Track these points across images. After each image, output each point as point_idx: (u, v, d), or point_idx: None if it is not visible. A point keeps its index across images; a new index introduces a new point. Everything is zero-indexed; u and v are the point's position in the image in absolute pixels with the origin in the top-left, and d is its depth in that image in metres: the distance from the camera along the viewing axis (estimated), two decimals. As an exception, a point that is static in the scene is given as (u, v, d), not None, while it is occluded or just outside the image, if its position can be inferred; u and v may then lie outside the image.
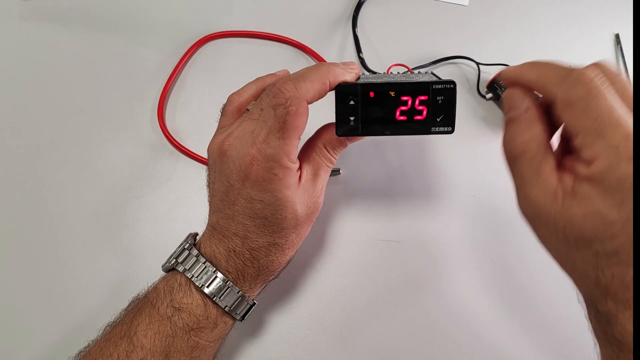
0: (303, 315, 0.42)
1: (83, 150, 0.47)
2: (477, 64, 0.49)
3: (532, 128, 0.29)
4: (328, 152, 0.36)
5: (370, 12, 0.53)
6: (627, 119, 0.26)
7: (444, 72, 0.50)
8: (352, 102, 0.34)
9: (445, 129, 0.34)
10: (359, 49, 0.51)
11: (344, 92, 0.34)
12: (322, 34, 0.52)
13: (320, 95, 0.33)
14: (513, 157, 0.30)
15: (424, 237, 0.45)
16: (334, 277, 0.44)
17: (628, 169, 0.25)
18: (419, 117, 0.34)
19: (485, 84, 0.48)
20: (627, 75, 0.50)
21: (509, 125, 0.30)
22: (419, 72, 0.44)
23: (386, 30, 0.52)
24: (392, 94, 0.34)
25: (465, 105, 0.49)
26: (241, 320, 0.36)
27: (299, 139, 0.33)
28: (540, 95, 0.30)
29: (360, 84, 0.34)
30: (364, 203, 0.46)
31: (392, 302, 0.43)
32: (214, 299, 0.33)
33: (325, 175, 0.36)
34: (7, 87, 0.49)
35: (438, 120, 0.34)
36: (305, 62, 0.51)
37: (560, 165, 0.29)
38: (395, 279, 0.43)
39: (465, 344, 0.42)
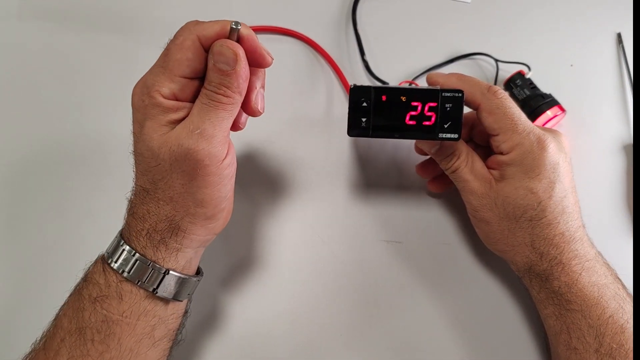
0: (303, 316, 0.42)
1: (82, 150, 0.47)
2: (496, 60, 0.49)
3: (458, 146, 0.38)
4: (214, 76, 0.30)
5: (368, 9, 0.53)
6: (527, 120, 0.37)
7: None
8: (365, 104, 0.35)
9: (452, 135, 0.36)
10: (362, 52, 0.50)
11: (358, 93, 0.35)
12: (324, 33, 0.52)
13: (217, 36, 0.30)
14: (454, 169, 0.38)
15: (425, 238, 0.45)
16: (334, 277, 0.43)
17: (538, 149, 0.35)
18: (427, 123, 0.36)
19: (503, 81, 0.48)
20: (629, 75, 0.50)
21: (439, 154, 0.39)
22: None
23: (385, 28, 0.52)
24: (404, 98, 0.35)
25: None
26: (154, 292, 0.32)
27: (181, 78, 0.30)
28: None
29: (373, 87, 0.35)
30: (365, 203, 0.46)
31: (392, 302, 0.43)
32: (109, 261, 0.31)
33: (200, 115, 0.30)
34: (7, 86, 0.49)
35: (445, 127, 0.36)
36: (314, 57, 0.50)
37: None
38: (396, 279, 0.43)
39: (466, 344, 0.42)
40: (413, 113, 0.36)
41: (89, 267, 0.33)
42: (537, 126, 0.37)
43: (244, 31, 0.30)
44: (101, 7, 0.52)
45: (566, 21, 0.52)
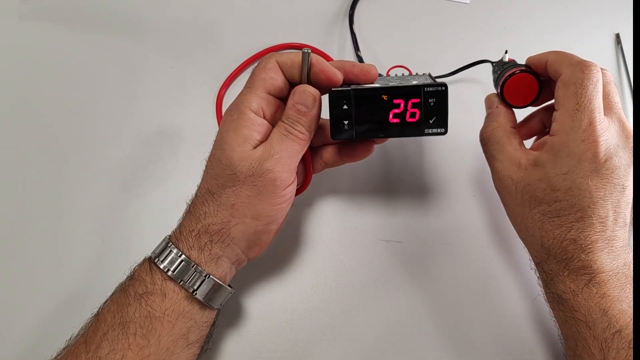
0: (303, 316, 0.42)
1: (83, 150, 0.47)
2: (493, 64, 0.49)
3: (498, 119, 0.38)
4: (292, 114, 0.34)
5: (367, 9, 0.53)
6: (597, 114, 0.32)
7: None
8: (345, 107, 0.35)
9: (439, 130, 0.35)
10: (356, 47, 0.50)
11: (338, 97, 0.35)
12: (320, 32, 0.52)
13: (292, 62, 0.35)
14: (484, 141, 0.38)
15: (424, 237, 0.45)
16: (334, 277, 0.43)
17: (580, 147, 0.32)
18: (412, 120, 0.35)
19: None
20: (627, 75, 0.50)
21: (485, 119, 0.39)
22: (416, 74, 0.44)
23: (384, 28, 0.52)
24: (385, 97, 0.35)
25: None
26: (193, 293, 0.33)
27: (268, 93, 0.34)
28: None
29: (353, 89, 0.35)
30: (364, 203, 0.46)
31: (392, 302, 0.43)
32: (155, 261, 0.34)
33: (279, 143, 0.34)
34: (7, 87, 0.49)
35: (431, 122, 0.35)
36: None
37: (533, 148, 0.36)
38: (396, 279, 0.43)
39: (466, 344, 0.42)
40: (396, 111, 0.35)
41: (135, 267, 0.35)
42: (627, 129, 0.33)
43: (313, 56, 0.34)
44: (103, 7, 0.52)
45: (565, 22, 0.52)
